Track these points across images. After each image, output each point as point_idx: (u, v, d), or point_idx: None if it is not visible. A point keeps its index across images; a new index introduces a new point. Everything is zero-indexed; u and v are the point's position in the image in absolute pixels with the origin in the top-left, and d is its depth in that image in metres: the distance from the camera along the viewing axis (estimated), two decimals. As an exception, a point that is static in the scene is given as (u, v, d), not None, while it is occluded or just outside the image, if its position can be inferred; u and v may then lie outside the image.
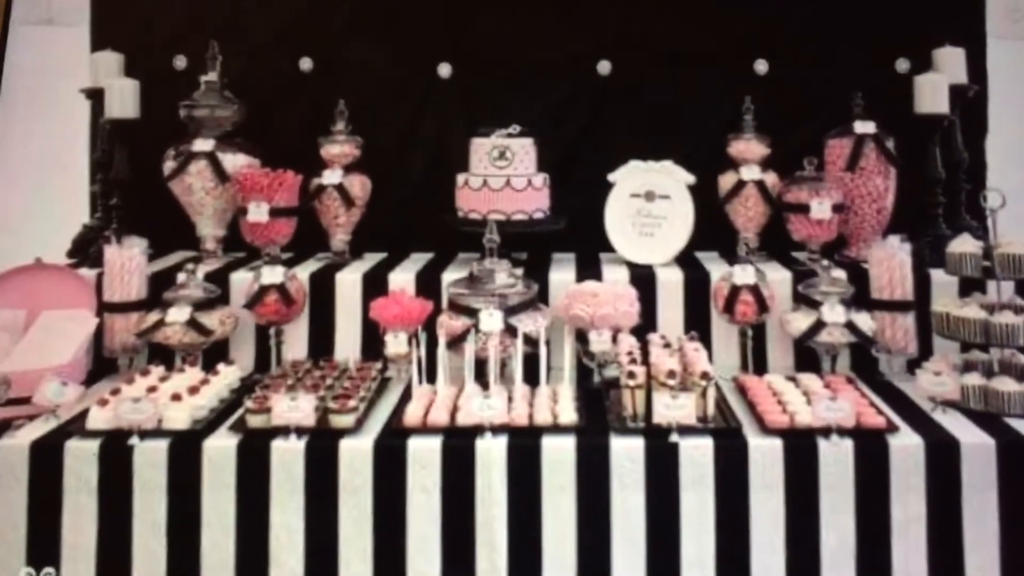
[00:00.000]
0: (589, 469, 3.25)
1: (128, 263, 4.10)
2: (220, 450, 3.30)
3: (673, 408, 3.28)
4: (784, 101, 4.70)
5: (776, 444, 3.27)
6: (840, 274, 4.06)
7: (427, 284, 4.18)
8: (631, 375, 3.40)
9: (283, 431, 3.31)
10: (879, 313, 3.95)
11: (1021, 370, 3.65)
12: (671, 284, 4.18)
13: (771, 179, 4.44)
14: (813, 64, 4.79)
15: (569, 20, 4.89)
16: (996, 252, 3.73)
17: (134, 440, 3.30)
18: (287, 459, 3.28)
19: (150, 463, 3.29)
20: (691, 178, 4.41)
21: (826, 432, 3.27)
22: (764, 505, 3.23)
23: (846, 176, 4.39)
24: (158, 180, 4.52)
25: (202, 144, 4.46)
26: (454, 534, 3.25)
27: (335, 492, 3.27)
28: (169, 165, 4.50)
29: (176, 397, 3.44)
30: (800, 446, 3.27)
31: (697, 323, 4.06)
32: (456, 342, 3.74)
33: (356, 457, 3.29)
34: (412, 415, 3.41)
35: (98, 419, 3.37)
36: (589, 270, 4.26)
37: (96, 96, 4.66)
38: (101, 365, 4.10)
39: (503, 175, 4.39)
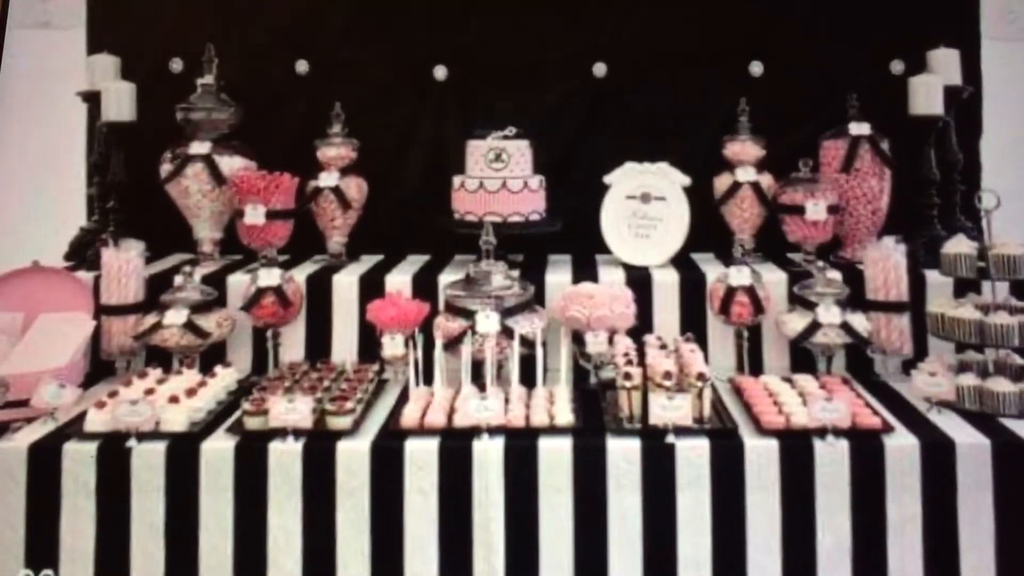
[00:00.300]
0: (586, 470, 3.26)
1: (125, 266, 4.10)
2: (218, 452, 3.31)
3: (669, 409, 3.29)
4: (779, 103, 4.70)
5: (772, 445, 3.28)
6: (835, 275, 4.07)
7: (424, 286, 4.18)
8: (627, 376, 3.41)
9: (280, 433, 3.31)
10: (874, 314, 3.96)
11: (1016, 371, 3.66)
12: (667, 285, 4.19)
13: (766, 180, 4.44)
14: (808, 66, 4.80)
15: (565, 22, 4.89)
16: (991, 253, 3.73)
17: (132, 442, 3.30)
18: (284, 461, 3.29)
19: (148, 465, 3.29)
20: (686, 180, 4.42)
21: (822, 433, 3.28)
22: (760, 506, 3.24)
23: (841, 177, 4.40)
24: (155, 183, 4.51)
25: (199, 147, 4.46)
26: (451, 535, 3.25)
27: (332, 494, 3.27)
28: (166, 168, 4.50)
29: (174, 399, 3.45)
30: (796, 447, 3.27)
31: (693, 324, 4.07)
32: (453, 344, 3.75)
33: (353, 459, 3.29)
34: (409, 417, 3.41)
35: (96, 421, 3.37)
36: (585, 272, 4.27)
37: (93, 99, 4.65)
38: (99, 368, 4.10)
39: (499, 177, 4.40)
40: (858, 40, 4.77)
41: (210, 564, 3.26)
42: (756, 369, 4.01)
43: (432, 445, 3.30)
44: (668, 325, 4.09)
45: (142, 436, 3.32)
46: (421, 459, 3.28)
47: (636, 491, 3.25)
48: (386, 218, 4.68)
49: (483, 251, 3.97)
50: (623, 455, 3.27)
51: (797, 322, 3.91)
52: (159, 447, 3.31)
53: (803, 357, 3.99)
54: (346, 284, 4.24)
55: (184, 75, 4.80)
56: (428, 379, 3.65)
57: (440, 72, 4.93)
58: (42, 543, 3.27)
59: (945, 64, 4.55)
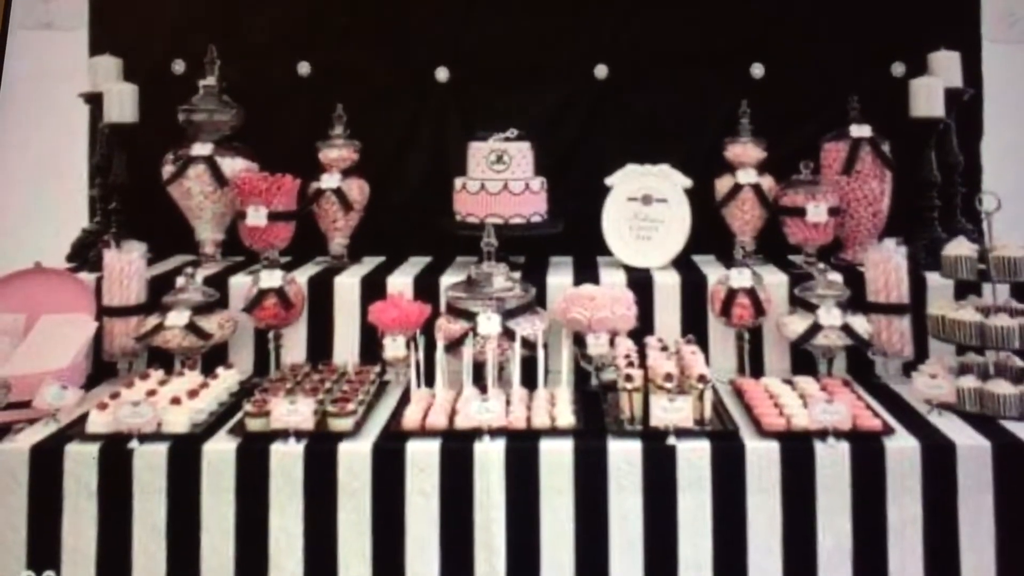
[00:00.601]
0: (587, 472, 3.26)
1: (127, 267, 4.11)
2: (219, 453, 3.31)
3: (670, 411, 3.29)
4: (780, 105, 4.70)
5: (773, 447, 3.29)
6: (836, 277, 4.07)
7: (425, 288, 4.18)
8: (628, 378, 3.41)
9: (282, 434, 3.32)
10: (875, 316, 3.96)
11: (1016, 373, 3.66)
12: (668, 287, 4.19)
13: (767, 182, 4.45)
14: (809, 67, 4.80)
15: (566, 24, 4.89)
16: (991, 255, 3.74)
17: (133, 444, 3.31)
18: (286, 462, 3.29)
19: (149, 467, 3.29)
20: (688, 182, 4.43)
21: (822, 435, 3.28)
22: (761, 507, 3.24)
23: (842, 179, 4.40)
24: (157, 184, 4.52)
25: (200, 148, 4.47)
26: (453, 537, 3.25)
27: (334, 495, 3.28)
28: (168, 169, 4.51)
29: (175, 401, 3.45)
30: (797, 449, 3.28)
31: (694, 326, 4.08)
32: (454, 345, 3.75)
33: (355, 460, 3.30)
34: (410, 418, 3.42)
35: (98, 423, 3.38)
36: (586, 273, 4.27)
37: (95, 100, 4.66)
38: (100, 369, 4.11)
39: (500, 179, 4.40)
40: (859, 42, 4.77)
41: (212, 565, 3.27)
42: (757, 371, 4.02)
43: (433, 447, 3.30)
44: (669, 327, 4.10)
45: (144, 437, 3.32)
46: (422, 461, 3.29)
47: (637, 493, 3.25)
48: (388, 220, 4.69)
49: (484, 253, 3.97)
50: (624, 457, 3.27)
51: (798, 324, 3.91)
52: (161, 448, 3.31)
53: (804, 359, 3.99)
54: (348, 286, 4.24)
55: (186, 76, 4.81)
56: (429, 381, 3.65)
57: (442, 74, 4.93)
58: (44, 544, 3.27)
59: (946, 66, 4.56)
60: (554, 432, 3.35)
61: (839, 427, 3.29)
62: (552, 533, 3.25)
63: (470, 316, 3.83)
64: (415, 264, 4.55)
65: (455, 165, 4.60)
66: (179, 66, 4.90)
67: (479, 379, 3.58)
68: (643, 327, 3.99)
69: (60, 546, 3.27)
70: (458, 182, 4.49)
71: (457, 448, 3.30)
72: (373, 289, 4.19)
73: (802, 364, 4.00)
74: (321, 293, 4.22)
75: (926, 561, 3.23)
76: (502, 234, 4.12)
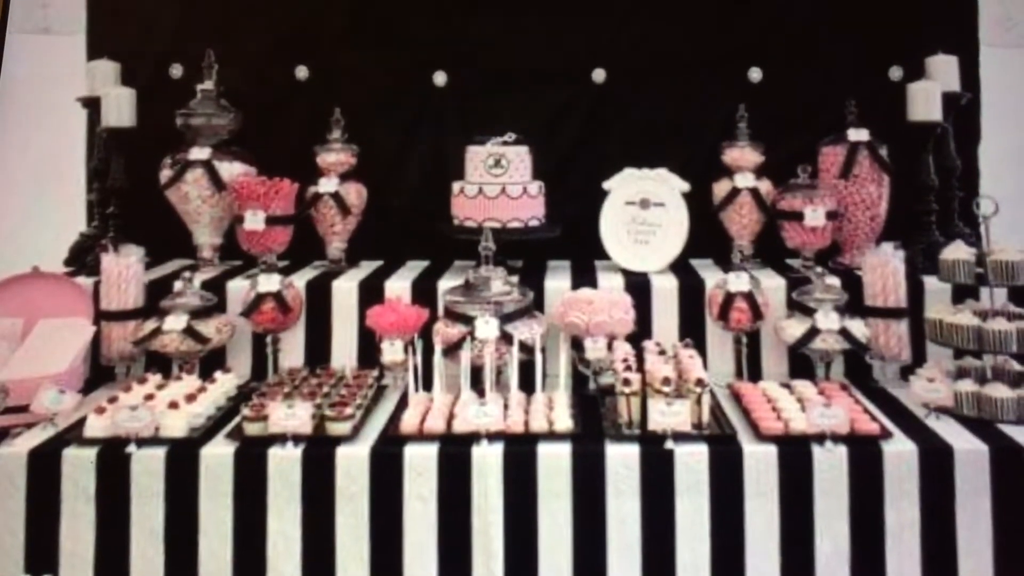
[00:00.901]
0: (585, 476, 3.27)
1: (125, 271, 4.11)
2: (217, 458, 3.31)
3: (668, 415, 3.30)
4: (778, 109, 4.70)
5: (771, 451, 3.29)
6: (834, 281, 4.08)
7: (423, 292, 4.18)
8: (626, 382, 3.41)
9: (280, 439, 3.32)
10: (873, 320, 3.97)
11: (1014, 376, 3.66)
12: (666, 291, 4.19)
13: (765, 186, 4.45)
14: (807, 72, 4.80)
15: (564, 28, 4.89)
16: (989, 259, 3.74)
17: (131, 448, 3.30)
18: (284, 467, 3.29)
19: (147, 471, 3.29)
20: (685, 185, 4.43)
21: (820, 439, 3.29)
22: (759, 511, 3.25)
23: (840, 183, 4.41)
24: (155, 188, 4.52)
25: (198, 152, 4.47)
26: (450, 541, 3.26)
27: (332, 499, 3.28)
28: (165, 173, 4.51)
29: (173, 405, 3.45)
30: (794, 453, 3.28)
31: (692, 330, 4.08)
32: (452, 349, 3.75)
33: (353, 464, 3.30)
34: (408, 422, 3.42)
35: (95, 427, 3.37)
36: (584, 277, 4.28)
37: (93, 105, 4.66)
38: (98, 373, 4.11)
39: (498, 183, 4.40)
40: (857, 46, 4.77)
41: (210, 570, 3.27)
42: (755, 375, 4.02)
43: (431, 451, 3.30)
44: (667, 331, 4.10)
45: (142, 442, 3.32)
46: (420, 465, 3.29)
47: (635, 497, 3.25)
48: (386, 224, 4.69)
49: (482, 257, 3.97)
50: (622, 461, 3.27)
51: (796, 328, 3.92)
52: (159, 453, 3.31)
53: (802, 363, 3.99)
54: (345, 290, 4.24)
55: (184, 81, 4.81)
56: (427, 385, 3.65)
57: (440, 78, 4.93)
58: (42, 548, 3.27)
59: (943, 70, 4.56)
60: (552, 436, 3.35)
61: (837, 431, 3.29)
62: (550, 537, 3.25)
63: (468, 320, 3.83)
64: (413, 268, 4.56)
65: (453, 169, 4.60)
66: (177, 70, 4.90)
67: (477, 383, 3.58)
68: (641, 331, 3.99)
69: (58, 550, 3.27)
70: (456, 186, 4.50)
71: (455, 452, 3.30)
72: (371, 293, 4.19)
73: (800, 368, 4.00)
74: (319, 297, 4.22)
75: (924, 565, 3.23)
76: (500, 238, 4.12)
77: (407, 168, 4.90)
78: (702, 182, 4.52)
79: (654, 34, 4.87)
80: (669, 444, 3.28)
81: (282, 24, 4.93)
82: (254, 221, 4.33)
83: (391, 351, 3.91)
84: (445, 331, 3.86)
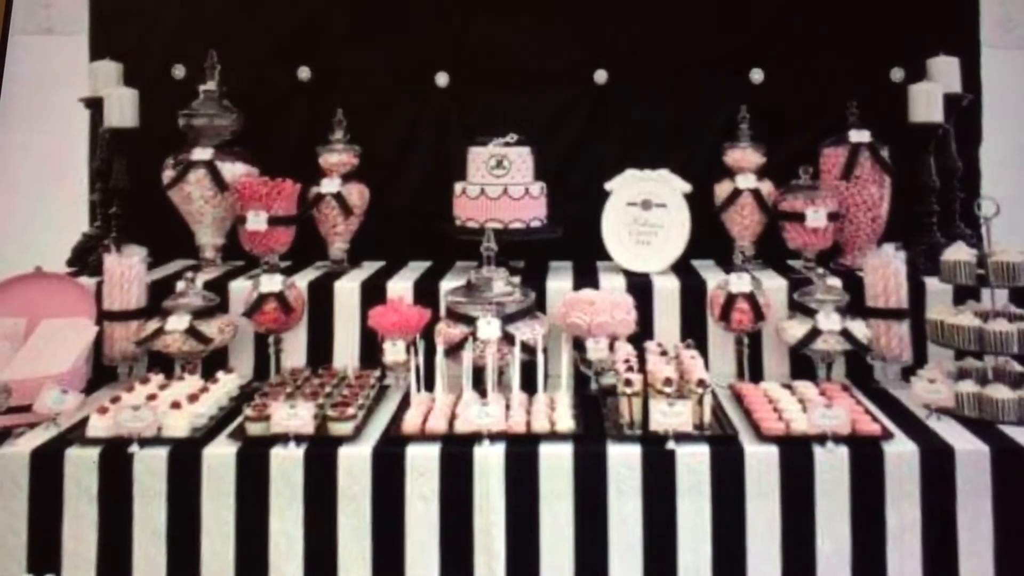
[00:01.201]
0: (586, 476, 3.27)
1: (128, 272, 4.11)
2: (219, 458, 3.32)
3: (670, 416, 3.30)
4: (779, 110, 4.71)
5: (772, 451, 3.29)
6: (835, 282, 4.08)
7: (425, 292, 4.19)
8: (628, 383, 3.42)
9: (282, 439, 3.32)
10: (874, 321, 3.97)
11: (1015, 377, 3.66)
12: (667, 292, 4.20)
13: (767, 188, 4.46)
14: (808, 73, 4.80)
15: (566, 29, 4.90)
16: (990, 260, 3.74)
17: (134, 448, 3.31)
18: (286, 467, 3.29)
19: (150, 471, 3.30)
20: (687, 187, 4.43)
21: (822, 439, 3.29)
22: (760, 512, 3.25)
23: (841, 185, 4.41)
24: (157, 189, 4.53)
25: (201, 153, 4.48)
26: (452, 541, 3.26)
27: (334, 500, 3.28)
28: (168, 174, 4.51)
29: (176, 405, 3.45)
30: (796, 453, 3.28)
31: (693, 331, 4.08)
32: (454, 350, 3.76)
33: (355, 464, 3.30)
34: (410, 423, 3.42)
35: (98, 427, 3.38)
36: (586, 278, 4.28)
37: (95, 105, 4.66)
38: (101, 373, 4.11)
39: (500, 184, 4.41)
40: (858, 47, 4.78)
41: (212, 570, 3.27)
42: (756, 376, 4.02)
43: (433, 451, 3.31)
44: (669, 332, 4.10)
45: (144, 442, 3.33)
46: (422, 465, 3.29)
47: (636, 497, 3.26)
48: (388, 224, 4.69)
49: (484, 257, 3.98)
50: (624, 461, 3.28)
51: (797, 329, 3.92)
52: (161, 453, 3.32)
53: (803, 364, 4.00)
54: (348, 290, 4.25)
55: (186, 81, 4.81)
56: (429, 385, 3.65)
57: (442, 79, 4.93)
58: (44, 548, 3.28)
59: (945, 72, 4.56)
60: (554, 436, 3.35)
61: (838, 432, 3.29)
62: (552, 538, 3.25)
63: (470, 320, 3.84)
64: (415, 269, 4.56)
65: (455, 170, 4.60)
66: (179, 71, 4.90)
67: (479, 383, 3.59)
68: (642, 332, 4.00)
69: (60, 550, 3.28)
70: (458, 187, 4.50)
71: (457, 452, 3.30)
72: (373, 293, 4.19)
73: (801, 369, 4.00)
74: (321, 297, 4.23)
75: (925, 566, 3.23)
76: (502, 239, 4.12)
77: (409, 169, 4.91)
78: (703, 183, 4.52)
79: (655, 35, 4.88)
80: (671, 445, 3.28)
81: (284, 25, 4.93)
82: (256, 221, 4.33)
83: (393, 351, 3.91)
84: (447, 331, 3.87)
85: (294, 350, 4.16)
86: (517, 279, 4.09)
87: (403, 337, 3.92)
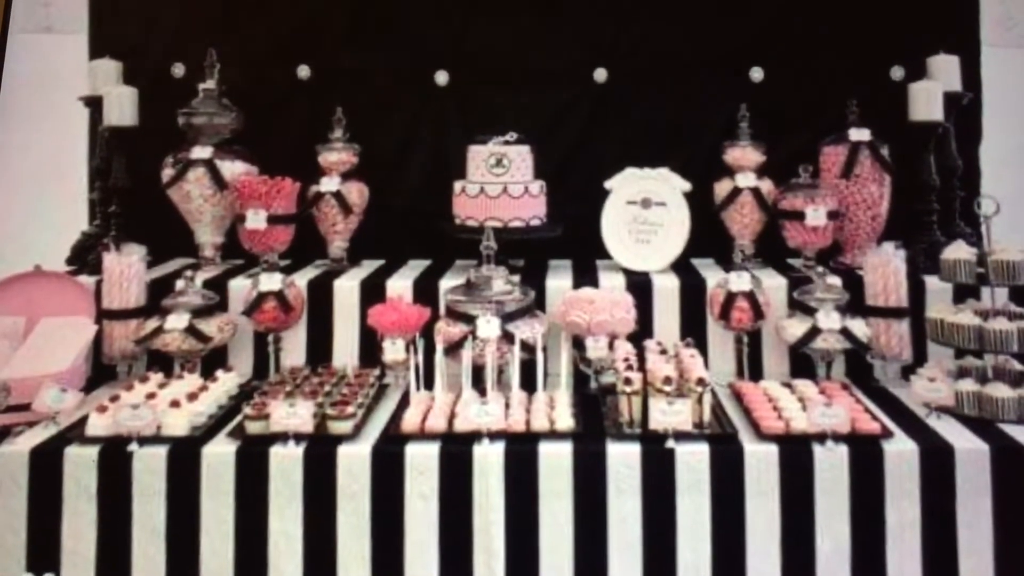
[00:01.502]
0: (586, 475, 3.27)
1: (127, 270, 4.11)
2: (219, 456, 3.32)
3: (669, 414, 3.30)
4: (779, 108, 4.70)
5: (772, 450, 3.29)
6: (835, 281, 4.08)
7: (424, 291, 4.19)
8: (627, 381, 3.42)
9: (281, 437, 3.32)
10: (874, 319, 3.97)
11: (1015, 376, 3.66)
12: (667, 291, 4.20)
13: (766, 186, 4.46)
14: (808, 72, 4.80)
15: (566, 28, 4.89)
16: (990, 259, 3.74)
17: (133, 447, 3.31)
18: (285, 465, 3.29)
19: (149, 469, 3.30)
20: (687, 185, 4.43)
21: (821, 438, 3.29)
22: (760, 511, 3.25)
23: (841, 183, 4.41)
24: (156, 187, 4.52)
25: (200, 151, 4.47)
26: (452, 540, 3.26)
27: (333, 498, 3.28)
28: (167, 172, 4.51)
29: (175, 404, 3.45)
30: (795, 452, 3.28)
31: (693, 329, 4.08)
32: (453, 349, 3.76)
33: (354, 463, 3.30)
34: (410, 421, 3.42)
35: (97, 426, 3.38)
36: (586, 277, 4.28)
37: (95, 104, 4.66)
38: (100, 372, 4.11)
39: (500, 182, 4.41)
40: (858, 46, 4.78)
41: (211, 568, 3.27)
42: (756, 374, 4.02)
43: (433, 450, 3.31)
44: (668, 330, 4.10)
45: (143, 440, 3.33)
46: (422, 464, 3.29)
47: (636, 496, 3.26)
48: (387, 223, 4.69)
49: (484, 256, 3.98)
50: (623, 460, 3.28)
51: (797, 327, 3.92)
52: (160, 451, 3.32)
53: (803, 362, 4.00)
54: (347, 289, 4.25)
55: (186, 80, 4.81)
56: (429, 384, 3.65)
57: (441, 77, 4.93)
58: (44, 547, 3.28)
59: (945, 70, 4.56)
60: (553, 435, 3.35)
61: (838, 430, 3.29)
62: (551, 536, 3.25)
63: (469, 319, 3.84)
64: (414, 267, 4.56)
65: (454, 168, 4.60)
66: (179, 69, 4.90)
67: (478, 382, 3.59)
68: (642, 330, 4.00)
69: (60, 549, 3.28)
70: (457, 185, 4.50)
71: (456, 451, 3.30)
72: (372, 292, 4.19)
73: (801, 367, 4.00)
74: (321, 296, 4.23)
75: (924, 564, 3.23)
76: (501, 237, 4.12)
77: (409, 167, 4.91)
78: (703, 182, 4.52)
79: (655, 34, 4.88)
80: (670, 443, 3.28)
81: (284, 23, 4.94)
82: (256, 220, 4.33)
83: (392, 350, 3.91)
84: (446, 330, 3.87)
85: (293, 349, 4.16)
86: (517, 278, 4.09)
87: (402, 336, 3.91)
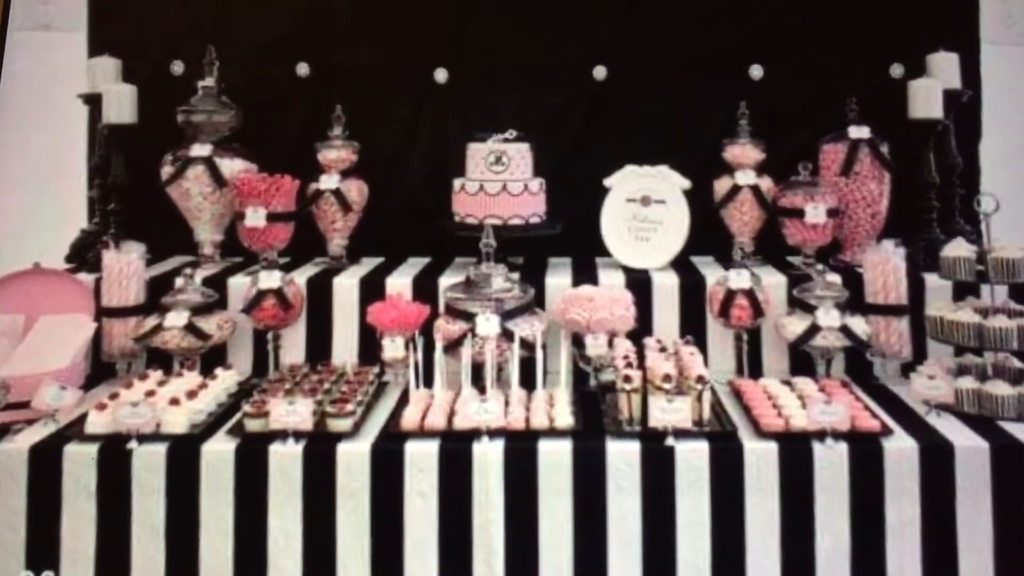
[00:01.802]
0: (585, 473, 3.27)
1: (126, 268, 4.11)
2: (218, 454, 3.32)
3: (669, 412, 3.30)
4: (779, 106, 4.70)
5: (771, 447, 3.29)
6: (835, 278, 4.08)
7: (424, 288, 4.19)
8: (627, 379, 3.42)
9: (281, 435, 3.32)
10: (873, 317, 3.97)
11: (1014, 374, 3.67)
12: (667, 288, 4.20)
13: (766, 184, 4.45)
14: (808, 69, 4.79)
15: (565, 26, 4.89)
16: (990, 256, 3.74)
17: (132, 444, 3.31)
18: (285, 463, 3.29)
19: (148, 467, 3.30)
20: (686, 183, 4.43)
21: (821, 436, 3.29)
22: (759, 508, 3.25)
23: (841, 181, 4.41)
24: (156, 185, 4.53)
25: (199, 149, 4.48)
26: (451, 538, 3.26)
27: (333, 496, 3.28)
28: (167, 170, 4.51)
29: (174, 401, 3.45)
30: (795, 449, 3.28)
31: (693, 327, 4.08)
32: (453, 346, 3.76)
33: (354, 461, 3.30)
34: (409, 419, 3.42)
35: (97, 423, 3.38)
36: (585, 274, 4.28)
37: (94, 101, 4.66)
38: (99, 369, 4.11)
39: (499, 180, 4.40)
40: (858, 44, 4.77)
41: (210, 566, 3.27)
42: (755, 372, 4.02)
43: (432, 447, 3.31)
44: (668, 328, 4.10)
45: (143, 438, 3.33)
46: (421, 461, 3.29)
47: (636, 494, 3.26)
48: (387, 221, 4.69)
49: (483, 254, 3.98)
50: (623, 458, 3.28)
51: (796, 325, 3.92)
52: (160, 449, 3.32)
53: (802, 360, 4.00)
54: (346, 286, 4.24)
55: (185, 77, 4.81)
56: (428, 381, 3.65)
57: (441, 75, 4.93)
58: (43, 544, 3.28)
59: (944, 68, 4.56)
60: (553, 433, 3.35)
61: (837, 428, 3.29)
62: (551, 534, 3.25)
63: (469, 317, 3.84)
64: (414, 265, 4.56)
65: (454, 166, 4.60)
66: (178, 67, 4.90)
67: (478, 380, 3.59)
68: (642, 328, 4.00)
69: (59, 546, 3.28)
70: (457, 183, 4.50)
71: (456, 449, 3.30)
72: (372, 290, 4.19)
73: (800, 365, 4.00)
74: (320, 294, 4.22)
75: (924, 562, 3.23)
76: (501, 235, 4.12)
77: (408, 165, 4.91)
78: (703, 179, 4.51)
79: (655, 31, 4.87)
80: (670, 441, 3.28)
81: (283, 21, 4.93)
82: (255, 218, 4.33)
83: (392, 348, 3.91)
84: (446, 328, 3.87)
85: (293, 346, 4.16)
86: (516, 275, 4.09)
87: (402, 333, 3.91)
